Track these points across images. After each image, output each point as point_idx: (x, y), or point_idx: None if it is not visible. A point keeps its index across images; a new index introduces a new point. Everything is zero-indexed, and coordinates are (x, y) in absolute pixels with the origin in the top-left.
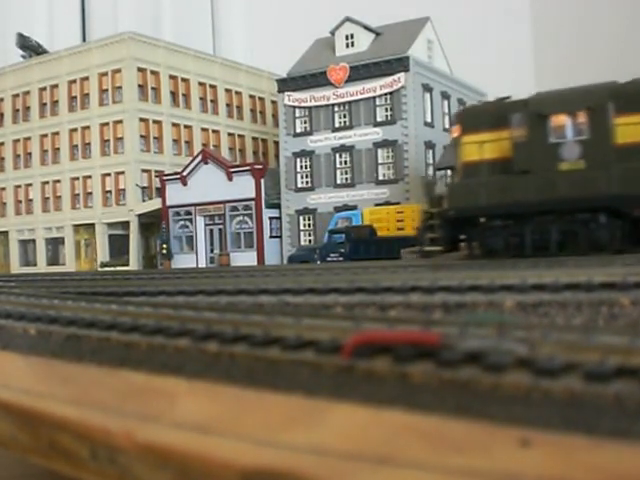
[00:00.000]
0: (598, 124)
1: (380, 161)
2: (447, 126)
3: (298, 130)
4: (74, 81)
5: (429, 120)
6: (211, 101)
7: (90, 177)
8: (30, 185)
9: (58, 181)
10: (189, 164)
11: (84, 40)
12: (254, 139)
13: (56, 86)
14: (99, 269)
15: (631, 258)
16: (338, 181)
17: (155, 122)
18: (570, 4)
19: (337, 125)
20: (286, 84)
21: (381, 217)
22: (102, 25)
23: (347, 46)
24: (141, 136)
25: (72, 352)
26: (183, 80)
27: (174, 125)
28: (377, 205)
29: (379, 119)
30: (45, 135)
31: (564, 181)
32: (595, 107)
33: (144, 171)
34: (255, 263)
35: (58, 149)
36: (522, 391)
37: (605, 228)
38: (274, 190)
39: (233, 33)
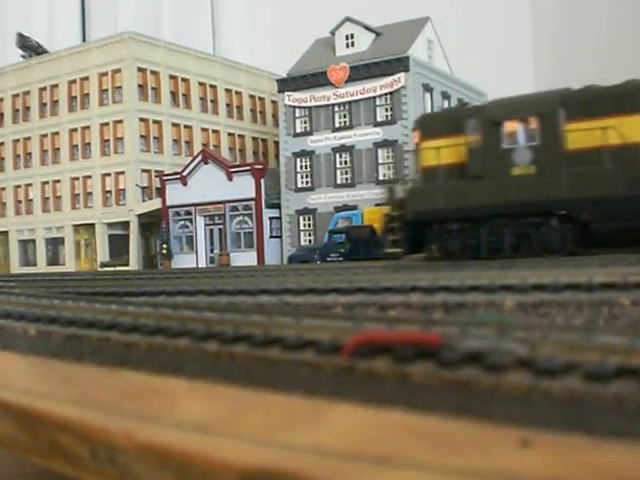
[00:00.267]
0: (548, 130)
1: (380, 161)
2: None
3: (298, 130)
4: (74, 81)
5: None
6: (211, 101)
7: (90, 177)
8: (30, 185)
9: (58, 181)
10: (189, 164)
11: (84, 40)
12: (254, 139)
13: (56, 86)
14: (99, 269)
15: (631, 258)
16: (338, 181)
17: (155, 122)
18: (570, 4)
19: (337, 125)
20: (286, 84)
21: (381, 217)
22: (102, 25)
23: (347, 46)
24: (141, 136)
25: (72, 352)
26: (183, 80)
27: (174, 125)
28: (377, 205)
29: (379, 119)
30: (45, 135)
31: (516, 186)
32: (545, 114)
33: (144, 171)
34: (255, 263)
35: (58, 149)
36: (522, 391)
37: (557, 231)
38: (274, 190)
39: (233, 33)
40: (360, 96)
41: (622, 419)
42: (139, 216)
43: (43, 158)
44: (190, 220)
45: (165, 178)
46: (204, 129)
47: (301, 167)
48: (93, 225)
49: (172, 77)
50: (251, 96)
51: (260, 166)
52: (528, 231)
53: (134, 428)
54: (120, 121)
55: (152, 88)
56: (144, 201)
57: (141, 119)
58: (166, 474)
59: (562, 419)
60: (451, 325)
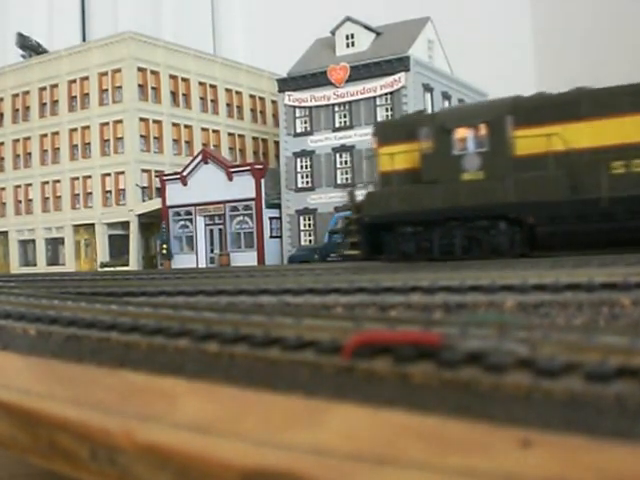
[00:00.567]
0: (496, 137)
1: None
2: None
3: (298, 130)
4: (74, 81)
5: None
6: (211, 101)
7: (90, 177)
8: (30, 185)
9: (58, 181)
10: (189, 164)
11: (84, 40)
12: (254, 139)
13: (56, 86)
14: (99, 269)
15: (631, 258)
16: (338, 181)
17: (155, 122)
18: (570, 3)
19: (337, 125)
20: (286, 84)
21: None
22: (102, 25)
23: (347, 46)
24: (141, 136)
25: (72, 352)
26: (183, 80)
27: (174, 125)
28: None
29: (380, 119)
30: (45, 135)
31: (466, 190)
32: (494, 121)
33: (144, 171)
34: (255, 263)
35: (58, 149)
36: (523, 391)
37: (505, 234)
38: (274, 190)
39: (233, 33)
40: (360, 96)
41: (623, 419)
42: (139, 216)
43: (43, 158)
44: (190, 220)
45: (165, 178)
46: (204, 129)
47: (301, 167)
48: (93, 225)
49: (172, 77)
50: (251, 96)
51: (260, 166)
52: (478, 234)
53: (134, 428)
54: (120, 121)
55: (152, 88)
56: (144, 201)
57: (141, 119)
58: (166, 474)
59: (563, 419)
60: (452, 325)
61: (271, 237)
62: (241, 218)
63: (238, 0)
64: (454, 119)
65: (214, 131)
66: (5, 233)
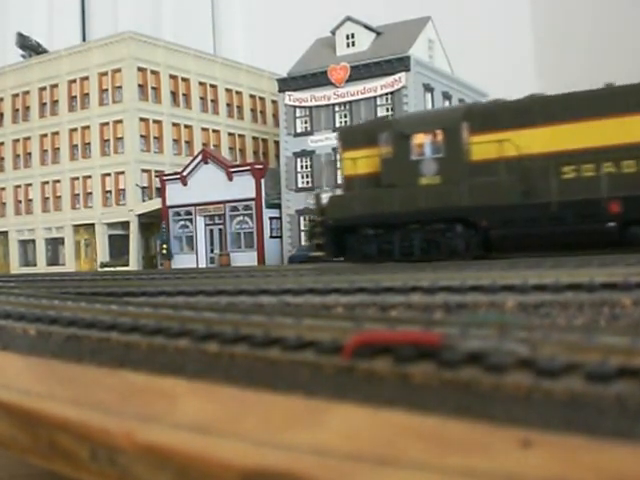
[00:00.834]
0: (452, 143)
1: None
2: None
3: (299, 130)
4: (74, 81)
5: None
6: (211, 101)
7: (90, 177)
8: (30, 185)
9: (58, 181)
10: (189, 164)
11: (84, 40)
12: (254, 139)
13: (56, 86)
14: (99, 269)
15: (631, 258)
16: (339, 181)
17: (155, 122)
18: (570, 3)
19: (338, 125)
20: (287, 84)
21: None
22: (102, 25)
23: (348, 46)
24: (141, 136)
25: (72, 353)
26: (183, 80)
27: (174, 125)
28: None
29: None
30: (45, 135)
31: (424, 195)
32: (449, 127)
33: (144, 171)
34: (255, 263)
35: (58, 149)
36: (523, 392)
37: (461, 237)
38: (274, 190)
39: (233, 33)
40: (361, 96)
41: (623, 419)
42: (139, 216)
43: (43, 158)
44: (190, 220)
45: (165, 178)
46: (204, 129)
47: (301, 167)
48: (93, 225)
49: (172, 77)
50: (251, 96)
51: (260, 166)
52: (436, 236)
53: (134, 428)
54: (120, 121)
55: (152, 88)
56: (144, 201)
57: (141, 119)
58: (166, 475)
59: (563, 419)
60: (452, 325)
61: (271, 237)
62: (241, 218)
63: (238, 0)
64: (412, 125)
65: (214, 131)
66: (5, 233)
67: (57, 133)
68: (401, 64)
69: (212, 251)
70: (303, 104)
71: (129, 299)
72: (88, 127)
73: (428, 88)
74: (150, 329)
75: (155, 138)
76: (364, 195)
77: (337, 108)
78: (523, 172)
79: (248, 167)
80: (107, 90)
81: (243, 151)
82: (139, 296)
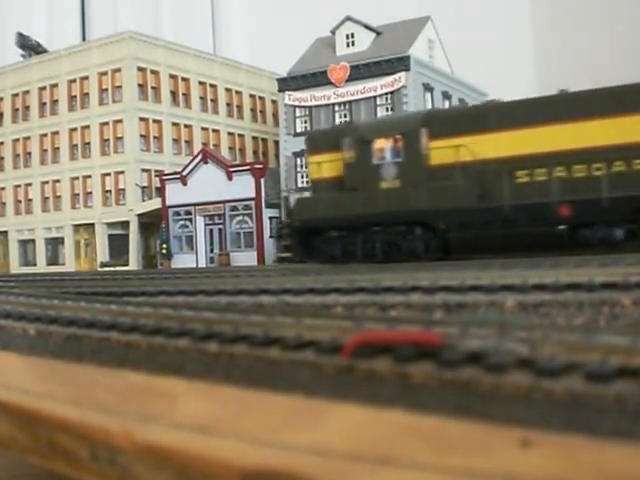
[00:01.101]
0: (411, 148)
1: None
2: None
3: (298, 129)
4: (74, 80)
5: None
6: (211, 100)
7: (90, 177)
8: (30, 185)
9: (58, 181)
10: (189, 164)
11: (84, 39)
12: (254, 138)
13: (56, 85)
14: (99, 269)
15: (631, 258)
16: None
17: (155, 121)
18: (571, 3)
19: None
20: (286, 83)
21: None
22: (102, 24)
23: (348, 45)
24: (141, 135)
25: (72, 352)
26: (183, 79)
27: (174, 124)
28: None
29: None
30: (45, 135)
31: (384, 198)
32: (408, 133)
33: (144, 171)
34: (255, 263)
35: (58, 149)
36: (523, 391)
37: (420, 239)
38: (274, 190)
39: (233, 32)
40: (360, 95)
41: (623, 419)
42: (139, 216)
43: (43, 158)
44: (190, 220)
45: (165, 178)
46: (204, 128)
47: (301, 167)
48: (93, 225)
49: (172, 76)
50: (251, 95)
51: (260, 165)
52: (397, 239)
53: (134, 428)
54: (120, 120)
55: (152, 87)
56: (144, 201)
57: (141, 118)
58: (166, 474)
59: (563, 419)
60: (452, 325)
61: (271, 237)
62: (241, 218)
63: (238, 0)
64: (373, 131)
65: (214, 131)
66: (5, 233)
67: (57, 133)
68: (401, 64)
69: (212, 251)
70: (303, 104)
71: (129, 299)
72: (88, 127)
73: (428, 88)
74: (150, 329)
75: (155, 138)
76: (328, 198)
77: (337, 108)
78: (479, 176)
79: (248, 167)
80: (107, 90)
81: (243, 151)
82: (139, 296)
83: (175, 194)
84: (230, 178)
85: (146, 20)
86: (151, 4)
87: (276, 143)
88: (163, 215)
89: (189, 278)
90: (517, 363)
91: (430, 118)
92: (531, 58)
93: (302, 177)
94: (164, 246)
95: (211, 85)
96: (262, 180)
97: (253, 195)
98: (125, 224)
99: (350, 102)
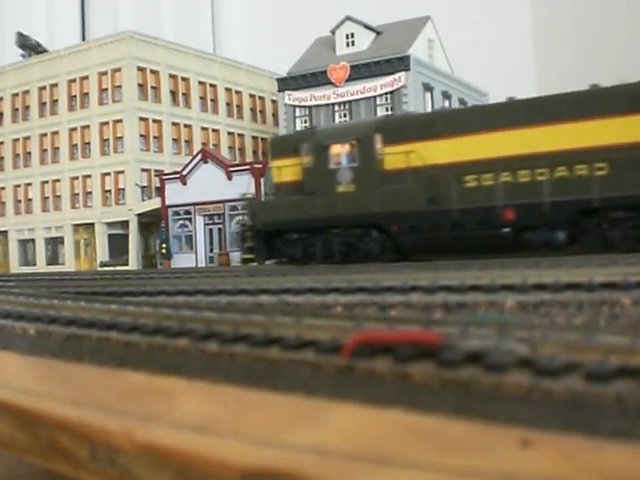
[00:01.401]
0: (365, 153)
1: None
2: None
3: (298, 129)
4: (74, 80)
5: None
6: (211, 100)
7: (90, 176)
8: (29, 184)
9: (58, 180)
10: (188, 163)
11: (84, 39)
12: (254, 138)
13: (56, 85)
14: (98, 269)
15: (631, 258)
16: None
17: (155, 121)
18: (571, 3)
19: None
20: (286, 83)
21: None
22: (102, 24)
23: (347, 45)
24: (141, 135)
25: (72, 352)
26: (183, 79)
27: (174, 124)
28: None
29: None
30: (45, 134)
31: (341, 201)
32: (362, 139)
33: (144, 170)
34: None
35: (58, 148)
36: (523, 391)
37: (376, 241)
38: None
39: (233, 32)
40: (360, 95)
41: (623, 419)
42: (138, 216)
43: (43, 157)
44: (189, 219)
45: (164, 177)
46: (204, 128)
47: None
48: (93, 225)
49: (172, 76)
50: (251, 95)
51: (260, 165)
52: (354, 241)
53: (134, 428)
54: (120, 120)
55: (152, 87)
56: (143, 200)
57: (141, 118)
58: (166, 474)
59: (563, 419)
60: (452, 325)
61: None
62: (241, 217)
63: (238, 0)
64: (330, 136)
65: (214, 130)
66: (5, 233)
67: (57, 132)
68: (401, 64)
69: (211, 250)
70: (303, 103)
71: (129, 299)
72: (88, 126)
73: (428, 88)
74: (150, 329)
75: (155, 137)
76: (289, 201)
77: (337, 108)
78: (429, 181)
79: (247, 166)
80: (107, 89)
81: (242, 150)
82: (138, 295)
83: (175, 194)
84: (230, 178)
85: (146, 20)
86: (151, 4)
87: None
88: (163, 215)
89: (189, 278)
90: (517, 363)
91: (384, 125)
92: (531, 58)
93: None
94: (164, 246)
95: (211, 85)
96: (262, 180)
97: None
98: (125, 224)
99: (350, 102)
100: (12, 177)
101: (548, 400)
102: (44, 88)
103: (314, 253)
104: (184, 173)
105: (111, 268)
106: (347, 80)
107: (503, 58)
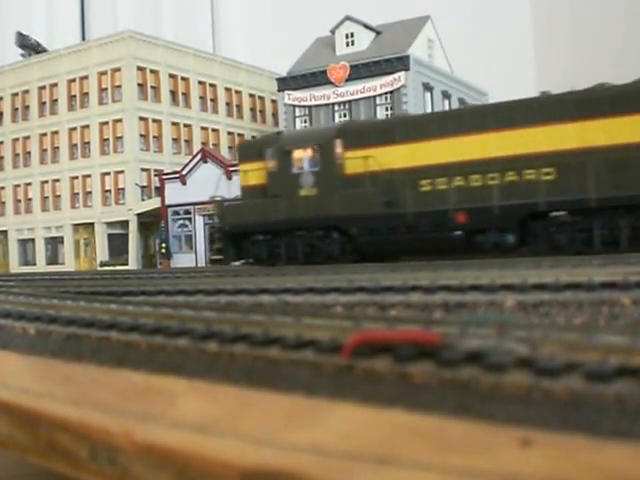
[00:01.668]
0: (326, 158)
1: None
2: None
3: (298, 129)
4: (73, 80)
5: None
6: (211, 100)
7: (89, 176)
8: (29, 184)
9: (57, 180)
10: (188, 163)
11: (83, 39)
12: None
13: (55, 85)
14: (98, 268)
15: (631, 258)
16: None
17: (155, 121)
18: (570, 3)
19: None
20: (286, 83)
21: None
22: (101, 24)
23: (347, 45)
24: (141, 135)
25: (71, 352)
26: (183, 79)
27: (174, 124)
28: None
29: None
30: (44, 134)
31: (303, 205)
32: (323, 144)
33: (143, 170)
34: None
35: (57, 148)
36: (523, 391)
37: (337, 243)
38: None
39: (233, 32)
40: (360, 95)
41: (623, 419)
42: (138, 215)
43: (42, 157)
44: (189, 219)
45: (164, 177)
46: (204, 128)
47: None
48: (92, 224)
49: (172, 76)
50: (251, 95)
51: None
52: (316, 242)
53: (134, 428)
54: (120, 120)
55: (152, 87)
56: (143, 200)
57: (141, 118)
58: (166, 474)
59: (563, 419)
60: (451, 325)
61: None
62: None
63: (238, 0)
64: (293, 142)
65: (213, 130)
66: (4, 232)
67: (57, 132)
68: (400, 63)
69: (211, 250)
70: (302, 103)
71: (128, 298)
72: (87, 126)
73: (427, 87)
74: (150, 328)
75: (154, 137)
76: (254, 204)
77: (336, 107)
78: (386, 185)
79: None
80: (107, 89)
81: None
82: (138, 295)
83: (174, 193)
84: (230, 177)
85: (146, 20)
86: (151, 4)
87: None
88: (162, 214)
89: (188, 277)
90: (517, 363)
91: (344, 130)
92: (531, 58)
93: None
94: (163, 245)
95: (211, 85)
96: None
97: None
98: (124, 223)
99: (350, 102)
100: (12, 177)
101: (548, 400)
102: (44, 88)
103: (279, 254)
104: (184, 173)
105: (111, 268)
106: (347, 80)
107: (503, 58)
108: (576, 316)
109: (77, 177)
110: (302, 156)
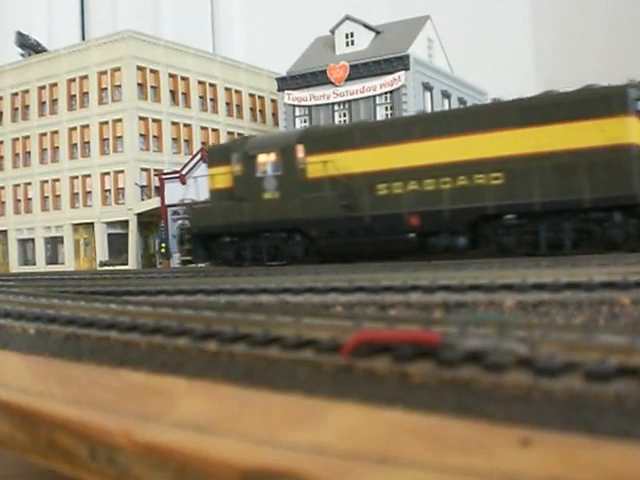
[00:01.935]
0: (287, 163)
1: None
2: None
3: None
4: (73, 80)
5: None
6: (211, 100)
7: (89, 176)
8: (29, 184)
9: (57, 180)
10: (188, 163)
11: (83, 39)
12: None
13: (55, 85)
14: (98, 268)
15: (631, 257)
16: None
17: (154, 121)
18: (570, 3)
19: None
20: (286, 83)
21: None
22: (101, 24)
23: (347, 44)
24: (140, 135)
25: (71, 351)
26: (183, 79)
27: (173, 124)
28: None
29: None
30: (44, 134)
31: (267, 208)
32: (285, 149)
33: (143, 170)
34: None
35: (57, 148)
36: (522, 391)
37: (299, 245)
38: None
39: (233, 31)
40: (360, 95)
41: (622, 419)
42: (138, 215)
43: (42, 157)
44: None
45: (164, 177)
46: (203, 128)
47: None
48: (92, 224)
49: (171, 76)
50: (251, 95)
51: None
52: (280, 244)
53: (133, 427)
54: (119, 120)
55: (151, 87)
56: (143, 200)
57: (140, 118)
58: (165, 473)
59: (562, 419)
60: (451, 324)
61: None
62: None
63: (238, 0)
64: (257, 146)
65: (213, 130)
66: (4, 232)
67: (56, 132)
68: (400, 63)
69: None
70: (302, 103)
71: (128, 298)
72: (87, 126)
73: (427, 87)
74: (149, 328)
75: (154, 137)
76: (221, 207)
77: (336, 107)
78: (345, 189)
79: None
80: (106, 89)
81: None
82: (138, 295)
83: (174, 193)
84: None
85: (146, 20)
86: (151, 4)
87: None
88: (162, 214)
89: (188, 277)
90: (516, 362)
91: (306, 135)
92: (531, 58)
93: None
94: (163, 245)
95: (210, 84)
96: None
97: None
98: (124, 223)
99: (349, 101)
100: (12, 176)
101: (547, 399)
102: (44, 87)
103: (245, 255)
104: (183, 172)
105: (110, 267)
106: (347, 79)
107: (503, 58)
108: (575, 316)
109: (77, 177)
110: (266, 160)
